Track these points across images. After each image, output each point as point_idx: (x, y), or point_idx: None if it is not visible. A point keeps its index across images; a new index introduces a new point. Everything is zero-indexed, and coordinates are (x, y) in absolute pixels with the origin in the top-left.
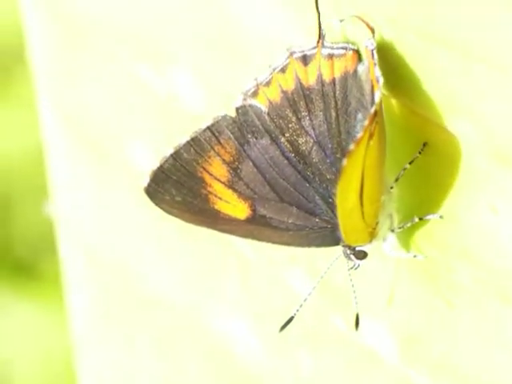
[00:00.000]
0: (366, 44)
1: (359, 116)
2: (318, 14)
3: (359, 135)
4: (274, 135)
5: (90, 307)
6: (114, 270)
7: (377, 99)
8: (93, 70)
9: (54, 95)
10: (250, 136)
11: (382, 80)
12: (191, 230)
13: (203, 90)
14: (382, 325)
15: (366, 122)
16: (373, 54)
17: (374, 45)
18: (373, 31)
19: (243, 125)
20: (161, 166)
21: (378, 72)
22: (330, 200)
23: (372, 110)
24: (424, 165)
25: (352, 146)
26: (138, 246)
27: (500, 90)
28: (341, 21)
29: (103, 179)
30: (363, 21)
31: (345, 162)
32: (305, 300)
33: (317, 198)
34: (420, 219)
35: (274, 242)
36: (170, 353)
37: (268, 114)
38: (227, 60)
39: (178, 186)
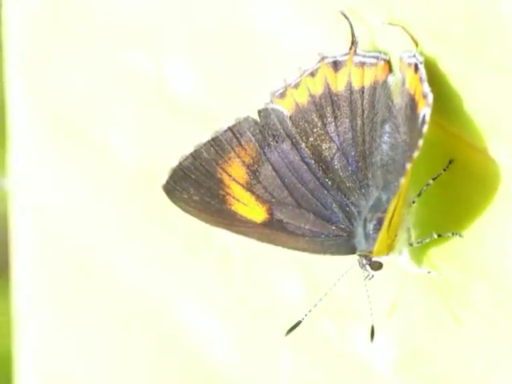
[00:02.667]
0: (403, 56)
1: (386, 127)
2: (350, 21)
3: (414, 154)
4: (294, 140)
5: (37, 287)
6: (76, 251)
7: (427, 117)
8: (76, 55)
9: (29, 77)
10: (270, 139)
11: (431, 98)
12: (175, 218)
13: (198, 80)
14: (379, 335)
15: (420, 141)
16: (419, 68)
17: (422, 59)
18: (416, 44)
19: (265, 128)
20: (180, 164)
21: (426, 88)
22: (348, 209)
23: (423, 129)
24: (449, 183)
25: (408, 166)
26: (106, 231)
27: None
28: (383, 23)
29: (72, 162)
30: (407, 32)
31: (402, 180)
32: (315, 305)
33: (334, 205)
34: (439, 236)
35: (289, 248)
36: (125, 341)
37: (291, 118)
38: (227, 53)
39: (196, 186)
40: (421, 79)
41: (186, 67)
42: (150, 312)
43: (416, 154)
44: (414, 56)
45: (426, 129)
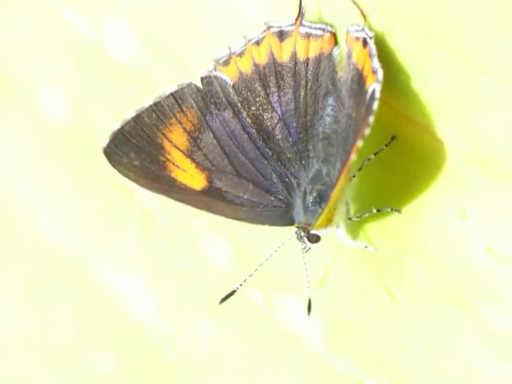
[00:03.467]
0: (350, 29)
1: (330, 100)
2: None
3: (365, 130)
4: (236, 109)
5: None
6: None
7: (377, 94)
8: (14, 10)
9: None
10: (212, 107)
11: (381, 73)
12: (99, 178)
13: (136, 43)
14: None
15: (371, 118)
16: (369, 42)
17: (371, 33)
18: (365, 18)
19: (207, 95)
20: (121, 128)
21: (376, 63)
22: (287, 180)
23: (374, 106)
24: (391, 159)
25: (360, 143)
26: (30, 186)
27: (497, 102)
28: None
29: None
30: (356, 5)
31: (354, 156)
32: (250, 275)
33: (274, 176)
34: (378, 211)
35: (227, 216)
36: (45, 300)
37: (233, 86)
38: (168, 18)
39: (136, 150)
40: (370, 54)
41: (124, 29)
42: (70, 270)
43: (367, 131)
44: (363, 30)
45: (376, 105)
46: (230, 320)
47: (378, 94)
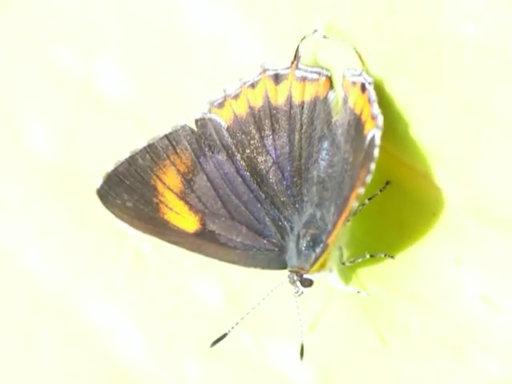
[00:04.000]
0: (346, 73)
1: (325, 144)
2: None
3: (367, 178)
4: (230, 151)
5: None
6: None
7: (377, 140)
8: (5, 47)
9: None
10: (206, 149)
11: (381, 120)
12: (89, 215)
13: (127, 82)
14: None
15: (372, 165)
16: (367, 88)
17: (370, 79)
18: (363, 63)
19: (201, 137)
20: (115, 170)
21: (376, 109)
22: (280, 223)
23: (375, 153)
24: (386, 204)
25: (361, 189)
26: (18, 222)
27: (497, 151)
28: (324, 37)
29: None
30: (356, 52)
31: (354, 203)
32: (242, 318)
33: (267, 219)
34: (371, 256)
35: (220, 259)
36: (31, 336)
37: (228, 129)
38: (161, 57)
39: (130, 192)
40: (369, 100)
41: (114, 67)
42: (58, 308)
43: (369, 179)
44: (361, 75)
45: (377, 153)
46: (219, 361)
47: (378, 141)
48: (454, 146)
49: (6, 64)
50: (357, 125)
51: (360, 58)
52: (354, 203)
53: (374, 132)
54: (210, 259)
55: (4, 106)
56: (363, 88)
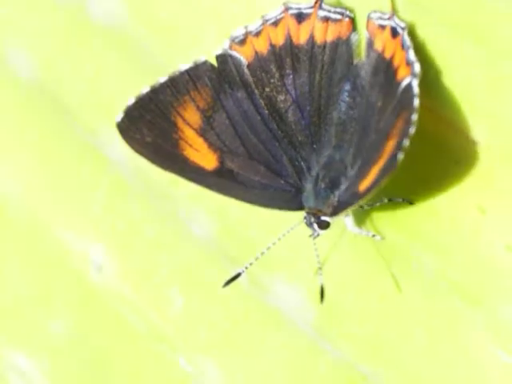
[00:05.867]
0: (372, 16)
1: (346, 86)
2: None
3: (410, 129)
4: (250, 89)
5: None
6: None
7: (416, 90)
8: None
9: None
10: (226, 86)
11: (418, 67)
12: (58, 142)
13: (120, 7)
14: (298, 288)
15: (414, 116)
16: (400, 33)
17: (404, 24)
18: (394, 8)
19: (221, 73)
20: (135, 103)
21: (412, 56)
22: (297, 163)
23: (415, 103)
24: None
25: (406, 141)
26: None
27: None
28: None
29: None
30: None
31: (401, 155)
32: (256, 259)
33: (285, 159)
34: (389, 200)
35: (237, 198)
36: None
37: (248, 66)
38: None
39: (150, 127)
40: (403, 45)
41: None
42: (28, 231)
43: (412, 130)
44: (391, 19)
45: (417, 103)
46: (207, 295)
47: (416, 90)
48: (486, 94)
49: None
50: (387, 70)
51: (392, 1)
52: (396, 154)
53: (409, 79)
54: (201, 190)
55: None
56: (394, 32)
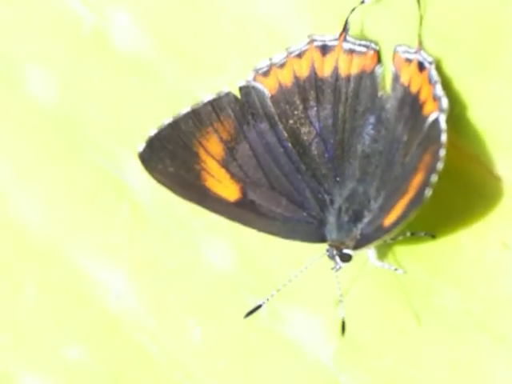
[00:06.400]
0: (398, 50)
1: (371, 119)
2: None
3: (438, 165)
4: (273, 121)
5: None
6: None
7: (443, 125)
8: None
9: None
10: (250, 118)
11: (446, 102)
12: (84, 165)
13: (141, 33)
14: (318, 320)
15: (442, 152)
16: (428, 67)
17: (431, 58)
18: (421, 42)
19: (245, 105)
20: (158, 134)
21: (440, 91)
22: (320, 196)
23: (443, 139)
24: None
25: (434, 177)
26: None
27: None
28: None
29: None
30: (420, 26)
31: (428, 192)
32: (278, 290)
33: (307, 191)
34: (412, 234)
35: (259, 230)
36: (11, 280)
37: (272, 98)
38: (179, 12)
39: (172, 157)
40: (430, 80)
41: (130, 19)
42: (46, 257)
43: (440, 166)
44: (418, 53)
45: (445, 138)
46: (225, 326)
47: (444, 125)
48: (510, 130)
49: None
50: (413, 104)
51: (419, 35)
52: (428, 192)
53: (437, 114)
54: (220, 219)
55: (6, 48)
56: (421, 66)
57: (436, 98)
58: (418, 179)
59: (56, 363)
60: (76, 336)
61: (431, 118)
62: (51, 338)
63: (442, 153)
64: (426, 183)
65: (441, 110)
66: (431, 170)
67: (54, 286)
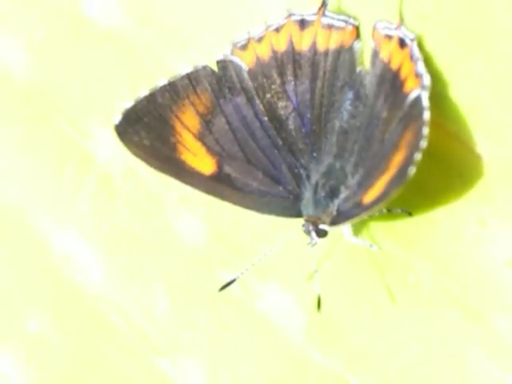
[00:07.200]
0: (378, 26)
1: (349, 95)
2: None
3: (422, 143)
4: (250, 95)
5: None
6: None
7: (425, 102)
8: None
9: None
10: (226, 91)
11: (428, 79)
12: (43, 138)
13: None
14: (290, 296)
15: (425, 129)
16: (409, 44)
17: (413, 35)
18: (402, 18)
19: (222, 79)
20: (134, 106)
21: (421, 68)
22: (296, 171)
23: (425, 116)
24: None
25: (418, 156)
26: None
27: None
28: None
29: None
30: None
31: (412, 170)
32: (253, 264)
33: (283, 166)
34: (388, 211)
35: (235, 203)
36: None
37: (249, 72)
38: None
39: (148, 129)
40: (412, 57)
41: None
42: (10, 228)
43: (424, 144)
44: (399, 29)
45: (428, 116)
46: (194, 298)
47: (426, 102)
48: (491, 109)
49: None
50: (393, 81)
51: (400, 12)
52: (411, 170)
53: (419, 92)
54: (193, 194)
55: None
56: (402, 43)
57: (418, 75)
58: (399, 157)
59: (17, 334)
60: (38, 307)
61: (413, 95)
62: (13, 309)
63: (426, 131)
64: (409, 161)
65: (423, 87)
66: (414, 148)
67: (16, 255)
